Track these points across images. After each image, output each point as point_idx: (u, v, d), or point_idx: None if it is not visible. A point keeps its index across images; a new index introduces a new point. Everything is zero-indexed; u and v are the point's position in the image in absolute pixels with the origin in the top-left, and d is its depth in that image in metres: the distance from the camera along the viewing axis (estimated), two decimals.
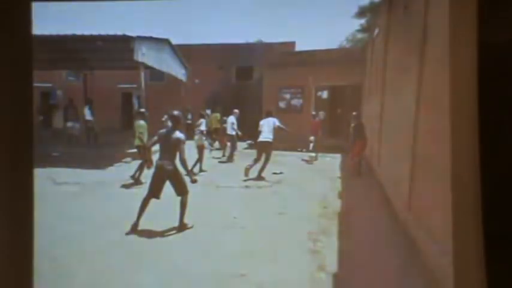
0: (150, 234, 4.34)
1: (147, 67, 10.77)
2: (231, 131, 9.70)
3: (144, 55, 9.94)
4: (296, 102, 13.53)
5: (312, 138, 10.51)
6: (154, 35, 10.88)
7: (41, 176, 7.12)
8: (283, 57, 13.85)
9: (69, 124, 11.57)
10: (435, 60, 3.26)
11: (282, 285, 3.27)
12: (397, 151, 5.17)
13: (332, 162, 10.28)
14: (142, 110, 7.70)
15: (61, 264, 3.52)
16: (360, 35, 20.31)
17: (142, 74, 10.16)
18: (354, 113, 8.36)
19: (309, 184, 7.38)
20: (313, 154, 10.56)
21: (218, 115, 12.22)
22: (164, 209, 4.70)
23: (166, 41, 11.97)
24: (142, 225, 4.41)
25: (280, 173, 8.45)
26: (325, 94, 13.55)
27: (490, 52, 0.87)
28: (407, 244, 3.91)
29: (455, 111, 0.91)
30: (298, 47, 16.82)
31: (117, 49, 10.04)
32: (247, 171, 7.57)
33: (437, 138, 3.04)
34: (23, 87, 0.92)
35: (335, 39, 30.45)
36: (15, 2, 0.86)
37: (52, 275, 3.23)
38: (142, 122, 7.16)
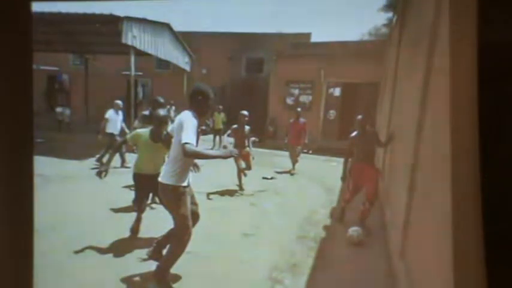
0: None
1: (141, 53, 9.93)
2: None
3: (135, 38, 9.09)
4: (305, 98, 12.33)
5: (298, 148, 8.02)
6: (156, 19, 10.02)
7: None
8: (293, 48, 12.66)
9: (59, 109, 10.93)
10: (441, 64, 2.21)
11: None
12: (398, 162, 4.02)
13: (337, 168, 9.08)
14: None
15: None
16: (385, 30, 18.70)
17: (132, 59, 9.30)
18: (359, 117, 4.69)
19: (299, 195, 6.31)
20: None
21: (223, 115, 11.29)
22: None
23: (165, 25, 11.06)
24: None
25: (272, 178, 7.41)
26: (337, 91, 12.25)
27: (490, 52, 0.88)
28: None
29: (455, 111, 0.93)
30: (315, 39, 15.59)
31: (104, 30, 9.21)
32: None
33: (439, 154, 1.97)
34: (23, 87, 0.89)
35: (357, 33, 28.35)
36: (15, 2, 0.85)
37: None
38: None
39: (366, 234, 4.15)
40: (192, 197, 3.05)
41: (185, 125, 2.60)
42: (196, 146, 2.65)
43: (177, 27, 12.10)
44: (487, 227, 0.87)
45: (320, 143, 11.58)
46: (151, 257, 3.14)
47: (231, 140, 6.46)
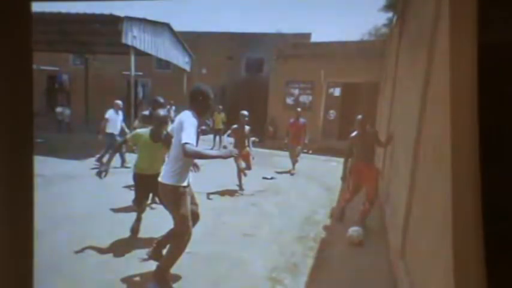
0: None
1: (141, 53, 9.93)
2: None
3: (136, 38, 9.08)
4: (305, 98, 12.33)
5: (298, 148, 8.00)
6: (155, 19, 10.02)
7: None
8: (294, 48, 12.64)
9: (59, 109, 10.93)
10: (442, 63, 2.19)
11: None
12: (398, 165, 4.01)
13: (337, 168, 9.09)
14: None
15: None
16: (385, 30, 18.67)
17: (132, 59, 9.30)
18: (359, 117, 4.67)
19: (299, 195, 6.30)
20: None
21: (223, 116, 11.32)
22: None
23: (165, 25, 11.05)
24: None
25: (272, 178, 7.42)
26: (337, 91, 12.26)
27: (490, 52, 0.87)
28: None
29: (455, 111, 0.93)
30: (315, 39, 15.58)
31: (104, 30, 9.21)
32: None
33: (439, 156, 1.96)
34: (23, 88, 0.88)
35: (357, 33, 28.38)
36: (15, 2, 0.84)
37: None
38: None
39: (366, 234, 4.15)
40: (192, 197, 3.05)
41: (185, 125, 2.60)
42: (196, 146, 2.66)
43: (177, 27, 12.13)
44: (487, 227, 0.87)
45: (320, 143, 11.59)
46: (151, 257, 3.14)
47: (231, 140, 6.46)
